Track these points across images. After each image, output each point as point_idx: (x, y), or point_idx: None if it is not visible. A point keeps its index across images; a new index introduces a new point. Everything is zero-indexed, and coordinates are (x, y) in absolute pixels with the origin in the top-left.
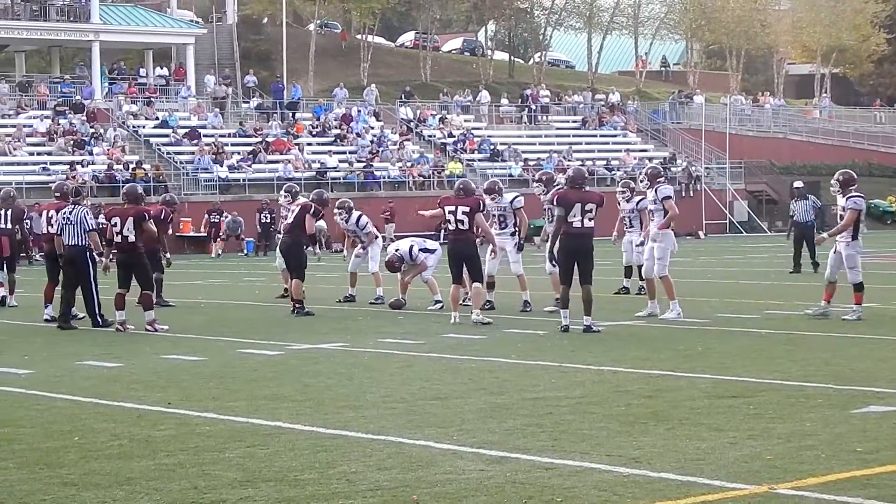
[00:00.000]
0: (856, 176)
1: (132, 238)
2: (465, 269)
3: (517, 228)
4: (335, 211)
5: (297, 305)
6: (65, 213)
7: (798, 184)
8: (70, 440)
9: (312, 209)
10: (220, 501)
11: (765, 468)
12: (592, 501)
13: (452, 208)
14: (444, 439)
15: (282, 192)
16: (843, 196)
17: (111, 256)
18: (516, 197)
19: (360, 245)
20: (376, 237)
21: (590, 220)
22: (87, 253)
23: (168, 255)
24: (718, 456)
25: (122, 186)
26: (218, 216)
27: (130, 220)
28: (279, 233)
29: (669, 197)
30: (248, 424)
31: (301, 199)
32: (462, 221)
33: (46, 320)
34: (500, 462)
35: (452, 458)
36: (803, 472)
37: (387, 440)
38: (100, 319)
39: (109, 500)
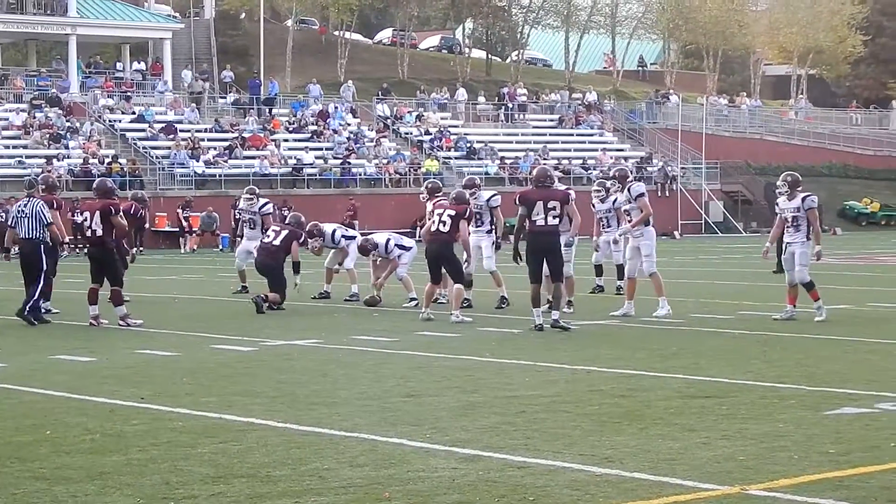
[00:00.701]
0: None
1: (100, 232)
2: (443, 269)
3: (493, 227)
4: (309, 241)
5: (272, 306)
6: (20, 206)
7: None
8: (42, 434)
9: (302, 238)
10: (191, 497)
11: (737, 469)
12: (565, 500)
13: (440, 210)
14: (417, 437)
15: (244, 193)
16: (791, 198)
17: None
18: (493, 195)
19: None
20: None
21: (554, 217)
22: (42, 247)
23: (133, 250)
24: (691, 456)
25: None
26: (189, 211)
27: (98, 213)
28: (240, 236)
29: (643, 194)
30: (221, 420)
31: (288, 218)
32: (444, 223)
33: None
34: (473, 460)
35: (425, 456)
36: (776, 473)
37: (359, 437)
38: (32, 316)
39: (81, 495)
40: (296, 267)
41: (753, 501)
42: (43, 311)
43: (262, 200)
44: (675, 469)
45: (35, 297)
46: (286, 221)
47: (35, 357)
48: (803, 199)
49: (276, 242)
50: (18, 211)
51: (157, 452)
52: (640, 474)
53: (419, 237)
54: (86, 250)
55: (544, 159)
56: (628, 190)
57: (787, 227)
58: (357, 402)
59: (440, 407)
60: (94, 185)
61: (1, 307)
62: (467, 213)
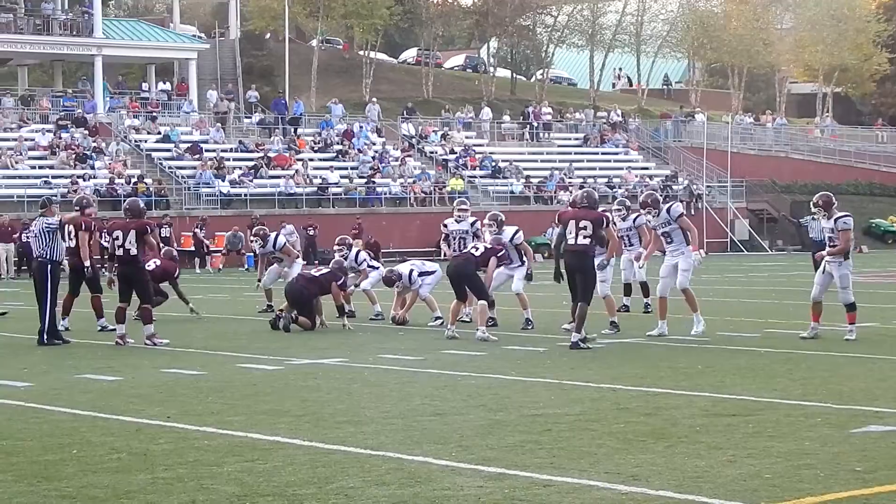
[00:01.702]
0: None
1: (133, 251)
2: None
3: (523, 260)
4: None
5: (286, 317)
6: (35, 226)
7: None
8: (68, 453)
9: (342, 281)
10: None
11: (763, 487)
12: None
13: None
14: (443, 455)
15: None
16: (829, 218)
17: (114, 270)
18: (515, 233)
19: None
20: (373, 268)
21: (585, 237)
22: (50, 266)
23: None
24: (717, 474)
25: (124, 200)
26: (205, 229)
27: (133, 233)
28: (273, 257)
29: (683, 214)
30: (247, 439)
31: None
32: (477, 249)
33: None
34: (499, 478)
35: (451, 474)
36: (802, 492)
37: (385, 456)
38: (50, 338)
39: None
40: (340, 309)
41: None
42: (62, 328)
43: (354, 250)
44: (701, 487)
45: (45, 322)
46: (330, 265)
47: (61, 376)
48: (836, 220)
49: (316, 274)
50: (32, 231)
51: (183, 471)
52: (665, 492)
53: (445, 255)
54: (114, 269)
55: (569, 178)
56: (668, 211)
57: (829, 245)
58: (383, 420)
59: (466, 425)
60: (127, 205)
61: (26, 327)
62: (497, 254)
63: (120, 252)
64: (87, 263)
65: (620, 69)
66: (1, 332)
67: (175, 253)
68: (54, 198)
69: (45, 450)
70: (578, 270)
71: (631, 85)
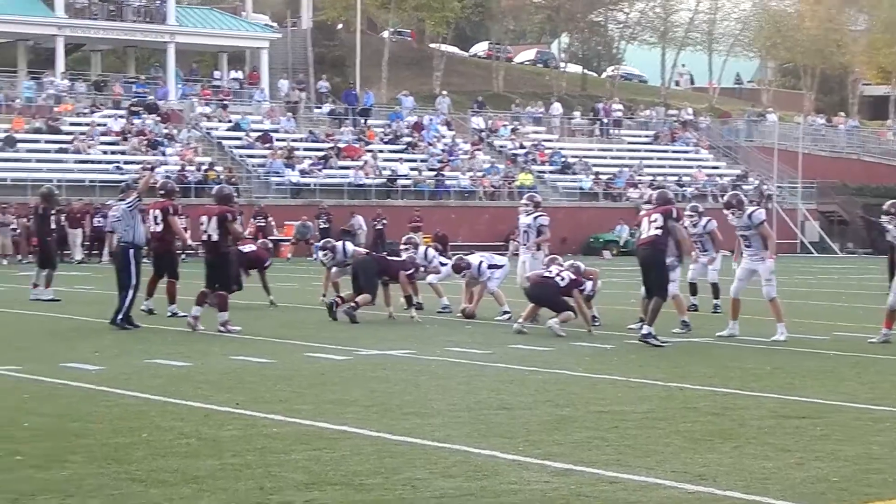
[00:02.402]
0: None
1: (215, 237)
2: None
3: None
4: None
5: (349, 307)
6: (115, 210)
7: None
8: (138, 437)
9: (411, 272)
10: (285, 502)
11: (831, 490)
12: None
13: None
14: (510, 450)
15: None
16: None
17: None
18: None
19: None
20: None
21: (655, 228)
22: (133, 250)
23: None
24: (784, 476)
25: (193, 188)
26: (263, 219)
27: (214, 219)
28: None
29: (764, 221)
30: (315, 427)
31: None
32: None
33: (143, 311)
34: (565, 474)
35: (518, 468)
36: (870, 496)
37: (452, 448)
38: (124, 322)
39: (176, 498)
40: (408, 300)
41: None
42: (146, 310)
43: (423, 248)
44: (769, 488)
45: (127, 305)
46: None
47: (131, 360)
48: None
49: (388, 257)
50: (113, 214)
51: (251, 458)
52: (733, 493)
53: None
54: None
55: (639, 175)
56: (749, 216)
57: None
58: (450, 413)
59: (533, 420)
60: (214, 192)
61: (98, 310)
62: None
63: (204, 238)
64: (191, 243)
65: (683, 65)
66: (72, 316)
67: (270, 244)
68: (133, 184)
69: (115, 433)
70: (650, 265)
71: (692, 82)
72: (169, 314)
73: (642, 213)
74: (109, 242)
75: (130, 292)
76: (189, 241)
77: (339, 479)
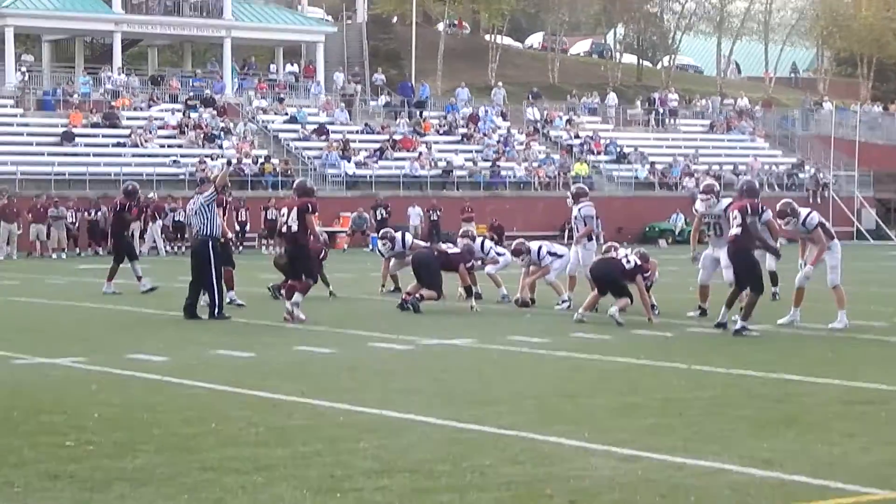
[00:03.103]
0: None
1: (294, 228)
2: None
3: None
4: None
5: (413, 298)
6: (194, 203)
7: None
8: (207, 426)
9: (470, 263)
10: (357, 490)
11: None
12: (726, 502)
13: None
14: (576, 436)
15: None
16: None
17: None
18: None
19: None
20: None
21: (737, 226)
22: (211, 242)
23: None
24: (851, 461)
25: (250, 181)
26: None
27: (295, 211)
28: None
29: (817, 225)
30: (381, 416)
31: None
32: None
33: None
34: (632, 460)
35: (584, 454)
36: None
37: (519, 435)
38: (219, 311)
39: (249, 486)
40: (468, 290)
41: None
42: (235, 302)
43: (480, 240)
44: (836, 473)
45: (215, 297)
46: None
47: (195, 352)
48: None
49: (447, 250)
50: (191, 209)
51: (320, 446)
52: (800, 477)
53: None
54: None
55: (694, 165)
56: (803, 223)
57: None
58: (514, 401)
59: (597, 407)
60: (294, 185)
61: (161, 302)
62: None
63: (285, 229)
64: (230, 235)
65: (729, 54)
66: (137, 308)
67: (325, 237)
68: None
69: (184, 423)
70: (737, 262)
71: (739, 72)
72: (227, 301)
73: (730, 203)
74: (190, 234)
75: (213, 283)
76: (229, 234)
77: (409, 466)
